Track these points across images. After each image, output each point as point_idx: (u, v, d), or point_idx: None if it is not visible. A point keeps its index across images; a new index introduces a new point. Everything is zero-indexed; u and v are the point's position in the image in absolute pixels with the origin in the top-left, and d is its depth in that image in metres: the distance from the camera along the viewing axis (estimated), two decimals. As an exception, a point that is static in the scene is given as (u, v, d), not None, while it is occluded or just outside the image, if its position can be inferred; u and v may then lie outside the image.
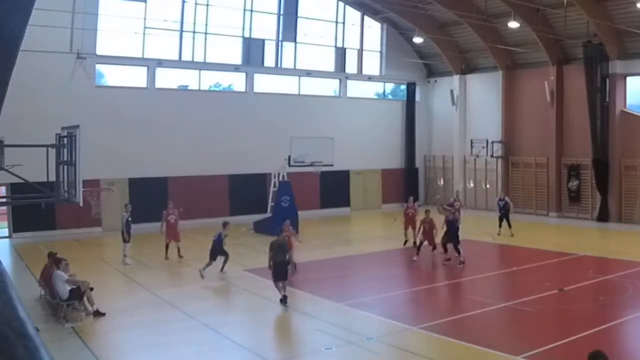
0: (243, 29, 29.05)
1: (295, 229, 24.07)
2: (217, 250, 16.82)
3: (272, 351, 10.59)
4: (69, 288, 12.35)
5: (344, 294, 14.59)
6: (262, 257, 19.45)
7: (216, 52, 28.35)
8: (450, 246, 17.48)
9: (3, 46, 1.85)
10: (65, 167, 11.30)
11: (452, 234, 17.62)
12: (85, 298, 12.69)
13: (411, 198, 22.48)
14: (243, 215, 26.11)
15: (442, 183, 34.10)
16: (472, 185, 32.68)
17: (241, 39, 29.07)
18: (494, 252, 21.25)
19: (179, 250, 19.00)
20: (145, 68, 26.67)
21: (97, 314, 12.62)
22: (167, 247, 19.06)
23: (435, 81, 34.97)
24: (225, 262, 16.83)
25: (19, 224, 23.17)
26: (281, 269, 13.56)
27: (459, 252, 17.39)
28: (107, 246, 22.75)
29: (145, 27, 26.25)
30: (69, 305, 12.40)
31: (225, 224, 17.41)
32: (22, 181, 10.92)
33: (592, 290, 14.79)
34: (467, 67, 32.90)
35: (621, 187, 26.12)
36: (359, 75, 33.11)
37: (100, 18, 24.93)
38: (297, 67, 30.77)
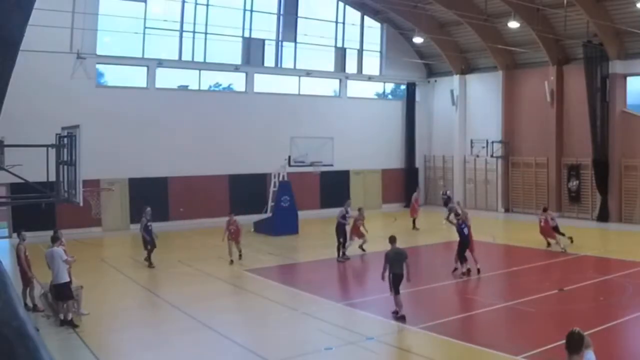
0: (243, 29, 29.05)
1: (296, 229, 24.20)
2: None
3: (272, 351, 10.58)
4: (65, 280, 11.97)
5: (344, 294, 14.59)
6: (262, 257, 19.58)
7: (216, 52, 28.36)
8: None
9: (3, 47, 1.86)
10: (65, 167, 11.30)
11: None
12: (73, 299, 12.31)
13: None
14: (243, 215, 26.09)
15: (442, 183, 34.11)
16: (472, 185, 32.69)
17: (241, 39, 29.07)
18: (494, 252, 21.23)
19: None
20: (145, 68, 26.66)
21: (71, 322, 11.75)
22: None
23: (435, 81, 34.96)
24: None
25: (19, 224, 23.13)
26: None
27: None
28: (107, 246, 22.76)
29: (145, 27, 26.26)
30: (67, 304, 12.24)
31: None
32: (22, 181, 10.92)
33: (592, 290, 14.78)
34: (467, 67, 32.89)
35: (621, 187, 26.11)
36: (359, 75, 33.10)
37: (100, 18, 24.93)
38: (297, 67, 30.76)
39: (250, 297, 14.80)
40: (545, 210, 21.16)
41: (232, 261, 18.25)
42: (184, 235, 24.07)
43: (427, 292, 15.25)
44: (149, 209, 18.45)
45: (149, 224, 18.06)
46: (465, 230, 16.40)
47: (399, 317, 11.99)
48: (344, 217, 19.48)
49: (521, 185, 30.41)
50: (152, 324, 12.64)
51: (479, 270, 16.27)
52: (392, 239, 12.77)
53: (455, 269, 16.49)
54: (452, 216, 18.54)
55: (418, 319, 12.37)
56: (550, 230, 20.28)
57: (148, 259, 17.98)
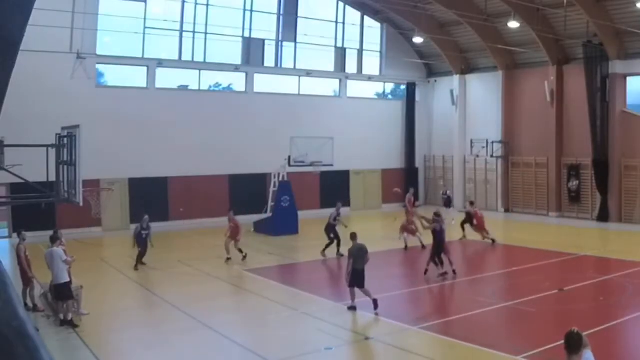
0: (243, 29, 29.05)
1: (296, 229, 24.20)
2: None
3: (272, 351, 10.58)
4: (65, 280, 11.97)
5: (344, 294, 14.56)
6: (262, 257, 19.58)
7: (216, 52, 28.36)
8: None
9: (3, 46, 1.86)
10: (65, 167, 11.30)
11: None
12: (73, 299, 12.32)
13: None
14: (243, 215, 26.09)
15: (442, 183, 34.13)
16: (472, 185, 32.68)
17: (241, 39, 29.08)
18: (494, 252, 21.24)
19: None
20: (145, 68, 26.66)
21: (71, 322, 11.80)
22: None
23: (435, 81, 34.96)
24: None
25: (19, 224, 23.14)
26: None
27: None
28: (107, 246, 22.77)
29: (145, 27, 26.26)
30: (67, 304, 12.25)
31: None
32: (22, 181, 10.92)
33: (592, 290, 14.79)
34: (467, 67, 32.89)
35: (621, 187, 26.10)
36: (359, 75, 33.11)
37: (100, 18, 24.93)
38: (297, 67, 30.76)
39: (250, 297, 14.80)
40: (472, 203, 22.86)
41: (228, 259, 18.23)
42: (184, 235, 24.07)
43: (426, 292, 15.26)
44: (146, 217, 18.03)
45: (142, 232, 17.75)
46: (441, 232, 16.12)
47: (373, 301, 12.52)
48: (335, 219, 19.69)
49: (521, 185, 30.41)
50: (152, 324, 12.65)
51: (454, 272, 15.97)
52: (353, 236, 13.50)
53: (427, 271, 16.12)
54: (424, 221, 17.92)
55: (418, 319, 12.38)
56: (484, 223, 21.48)
57: (136, 260, 17.67)
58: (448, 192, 27.85)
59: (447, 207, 26.40)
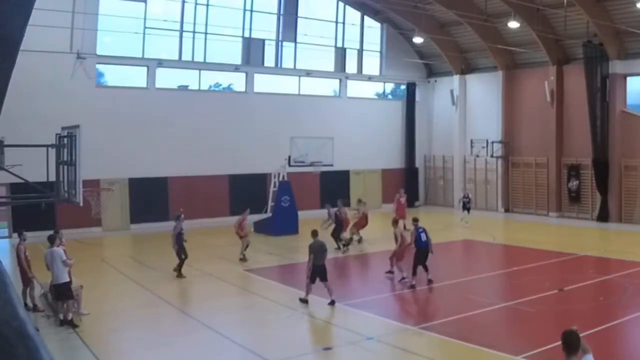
0: (243, 29, 29.05)
1: (296, 229, 24.19)
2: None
3: (272, 351, 10.58)
4: (65, 280, 11.93)
5: (344, 294, 14.57)
6: (262, 257, 19.59)
7: (216, 52, 28.36)
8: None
9: (3, 46, 1.86)
10: (65, 167, 11.30)
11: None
12: (74, 299, 12.29)
13: None
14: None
15: (442, 183, 34.13)
16: (472, 185, 32.67)
17: (241, 39, 29.08)
18: (494, 252, 21.25)
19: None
20: (145, 68, 26.66)
21: (71, 322, 11.77)
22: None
23: (435, 81, 34.96)
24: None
25: (19, 224, 23.13)
26: None
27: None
28: (107, 246, 22.77)
29: (145, 27, 26.26)
30: (67, 304, 12.25)
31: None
32: (22, 181, 10.92)
33: (592, 290, 14.79)
34: (467, 67, 32.88)
35: (621, 187, 26.10)
36: (359, 75, 33.10)
37: (100, 18, 24.93)
38: (297, 67, 30.76)
39: (250, 297, 14.80)
40: (359, 201, 23.00)
41: (241, 259, 18.75)
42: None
43: (427, 292, 15.25)
44: (183, 215, 17.28)
45: (182, 231, 16.75)
46: (423, 236, 15.15)
47: (303, 299, 13.35)
48: (336, 215, 21.00)
49: (521, 185, 30.41)
50: (152, 324, 12.64)
51: (430, 281, 15.18)
52: (314, 233, 14.19)
53: (403, 278, 15.52)
54: (400, 227, 17.02)
55: (418, 319, 12.38)
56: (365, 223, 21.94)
57: (179, 269, 16.56)
58: (469, 195, 27.38)
59: (464, 211, 26.25)
